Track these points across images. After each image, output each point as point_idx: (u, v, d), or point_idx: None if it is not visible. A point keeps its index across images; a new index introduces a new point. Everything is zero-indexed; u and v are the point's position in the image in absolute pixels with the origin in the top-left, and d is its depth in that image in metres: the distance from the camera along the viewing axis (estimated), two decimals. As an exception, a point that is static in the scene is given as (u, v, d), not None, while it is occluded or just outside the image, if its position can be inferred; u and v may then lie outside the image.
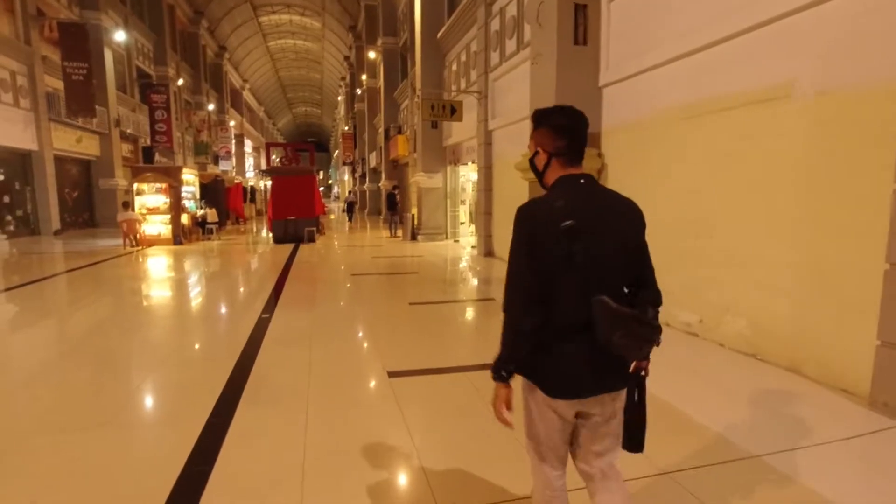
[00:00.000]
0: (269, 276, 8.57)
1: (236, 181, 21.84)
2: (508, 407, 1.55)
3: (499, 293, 1.74)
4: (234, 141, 43.89)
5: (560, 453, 1.63)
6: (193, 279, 8.56)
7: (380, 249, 12.33)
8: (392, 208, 15.54)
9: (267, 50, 50.30)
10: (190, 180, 14.54)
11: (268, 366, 4.03)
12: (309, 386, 3.61)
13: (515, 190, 8.87)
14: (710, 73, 4.55)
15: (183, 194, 14.06)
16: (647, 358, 1.54)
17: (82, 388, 3.68)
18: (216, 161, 36.99)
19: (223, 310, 6.43)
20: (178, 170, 13.37)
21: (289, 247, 12.73)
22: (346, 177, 46.12)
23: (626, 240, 1.53)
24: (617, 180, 6.02)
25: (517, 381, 1.56)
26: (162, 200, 12.85)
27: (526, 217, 1.53)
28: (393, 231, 15.56)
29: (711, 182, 4.61)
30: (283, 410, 3.21)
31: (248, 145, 49.97)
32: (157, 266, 10.01)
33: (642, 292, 1.57)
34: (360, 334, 5.04)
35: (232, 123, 41.97)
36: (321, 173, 52.01)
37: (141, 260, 10.79)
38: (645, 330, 1.44)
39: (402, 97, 20.33)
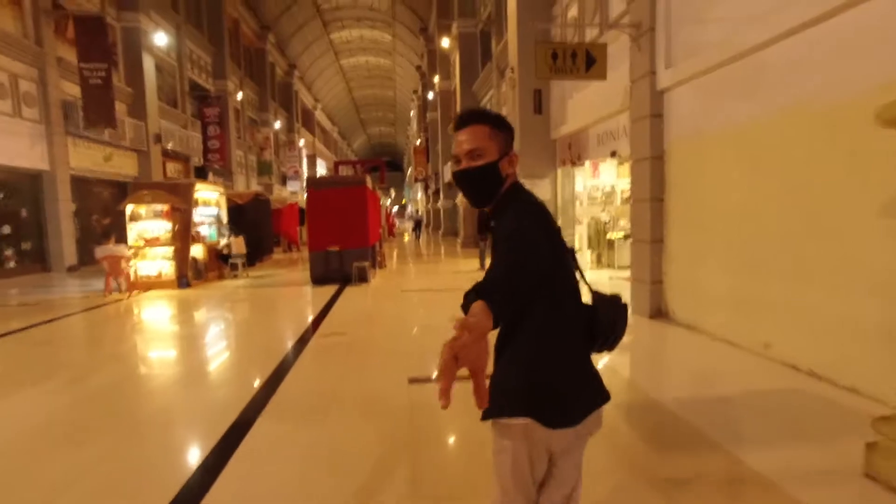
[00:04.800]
0: (251, 376, 4.41)
1: (290, 201, 18.72)
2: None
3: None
4: (305, 161, 42.38)
5: (534, 496, 1.38)
6: (108, 399, 4.62)
7: (459, 300, 7.90)
8: (483, 231, 11.11)
9: (340, 69, 49.28)
10: (211, 200, 11.13)
11: None
12: None
13: (762, 190, 4.04)
14: None
15: (201, 219, 10.65)
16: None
17: None
18: (284, 182, 35.17)
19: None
20: (188, 187, 9.94)
21: (328, 291, 8.72)
22: (420, 195, 42.90)
23: None
24: None
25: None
26: (164, 228, 9.40)
27: (543, 210, 1.34)
28: (482, 262, 11.14)
29: None
30: None
31: (322, 166, 48.60)
32: (99, 341, 6.29)
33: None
34: None
35: (302, 143, 40.35)
36: (392, 191, 49.36)
37: (105, 320, 7.22)
38: (625, 308, 1.44)
39: (483, 88, 16.13)
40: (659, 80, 5.63)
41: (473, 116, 1.35)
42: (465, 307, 1.09)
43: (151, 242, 9.38)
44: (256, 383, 4.09)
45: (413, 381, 4.05)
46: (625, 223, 10.76)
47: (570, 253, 1.37)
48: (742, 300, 4.56)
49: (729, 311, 4.73)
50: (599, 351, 1.41)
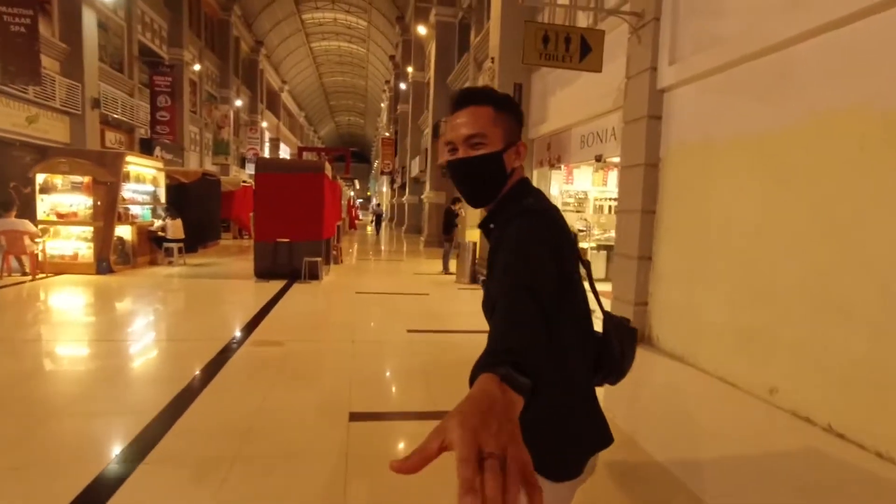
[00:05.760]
0: (146, 401, 3.46)
1: (243, 183, 17.34)
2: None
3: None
4: (268, 144, 40.51)
5: None
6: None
7: (423, 306, 7.12)
8: (448, 232, 10.36)
9: (310, 51, 47.59)
10: (146, 175, 9.85)
11: None
12: None
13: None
14: None
15: (132, 196, 9.38)
16: None
17: None
18: (243, 164, 33.32)
19: None
20: (117, 158, 8.67)
21: (273, 288, 7.73)
22: (385, 188, 41.82)
23: None
24: None
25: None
26: (83, 203, 8.13)
27: (554, 216, 1.08)
28: (446, 265, 10.37)
29: None
30: None
31: (286, 151, 46.75)
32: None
33: None
34: None
35: (265, 125, 38.53)
36: (357, 183, 48.06)
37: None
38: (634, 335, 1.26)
39: (459, 81, 15.37)
40: (660, 77, 5.00)
41: (475, 95, 1.11)
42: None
43: (67, 219, 8.09)
44: (151, 412, 3.14)
45: (355, 417, 3.22)
46: (599, 233, 10.26)
47: (586, 267, 1.18)
48: (745, 333, 3.96)
49: (728, 344, 4.13)
50: (599, 384, 1.23)
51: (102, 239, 8.18)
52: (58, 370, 4.05)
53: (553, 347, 0.94)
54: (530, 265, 0.90)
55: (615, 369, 1.19)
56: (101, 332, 5.21)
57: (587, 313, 1.11)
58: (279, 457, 2.71)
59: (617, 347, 1.17)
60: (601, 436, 1.15)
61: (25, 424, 3.01)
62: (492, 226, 1.12)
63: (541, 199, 1.11)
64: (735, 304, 4.11)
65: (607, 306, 1.39)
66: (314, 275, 8.61)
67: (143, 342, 4.92)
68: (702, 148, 4.58)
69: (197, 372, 3.86)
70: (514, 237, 0.97)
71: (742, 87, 4.15)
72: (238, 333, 5.13)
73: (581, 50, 5.22)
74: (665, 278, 5.07)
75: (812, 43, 3.50)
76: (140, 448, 2.67)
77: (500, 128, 1.08)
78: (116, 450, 2.64)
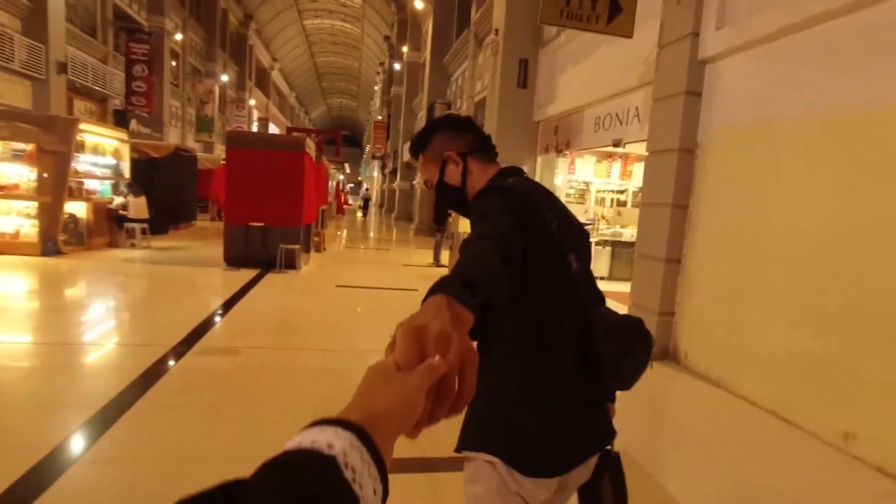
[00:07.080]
0: (33, 439, 2.59)
1: (223, 161, 16.27)
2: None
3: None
4: (256, 123, 39.13)
5: None
6: None
7: (411, 304, 6.29)
8: (441, 222, 9.53)
9: (302, 29, 45.94)
10: (107, 147, 8.83)
11: None
12: None
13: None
14: None
15: (90, 169, 8.38)
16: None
17: None
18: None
19: None
20: (70, 125, 7.64)
21: (242, 278, 6.84)
22: (376, 173, 40.73)
23: (587, 253, 1.16)
24: None
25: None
26: (27, 175, 7.14)
27: (517, 196, 1.03)
28: (437, 257, 9.56)
29: None
30: None
31: (275, 131, 45.35)
32: None
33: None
34: None
35: (253, 103, 37.14)
36: (347, 167, 46.82)
37: None
38: (650, 341, 1.11)
39: (457, 61, 14.42)
40: (704, 44, 4.16)
41: (412, 150, 1.28)
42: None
43: (7, 192, 7.09)
44: (29, 459, 2.28)
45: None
46: (605, 227, 9.51)
47: (575, 245, 1.08)
48: (813, 361, 3.19)
49: (787, 373, 3.36)
50: (606, 386, 1.11)
51: (49, 216, 7.20)
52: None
53: (525, 322, 0.99)
54: (489, 223, 0.89)
55: (614, 374, 1.05)
56: (17, 329, 4.31)
57: (573, 297, 1.05)
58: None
59: (608, 346, 1.03)
60: (593, 438, 1.06)
61: None
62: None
63: (501, 182, 1.10)
64: (799, 325, 3.31)
65: (616, 310, 1.13)
66: (291, 264, 7.72)
67: (65, 346, 4.02)
68: (758, 130, 3.75)
69: (117, 393, 3.00)
70: (474, 213, 0.99)
71: (820, 53, 3.30)
72: (187, 336, 4.26)
73: (610, 10, 4.35)
74: (699, 286, 4.27)
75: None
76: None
77: (430, 163, 1.22)
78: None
